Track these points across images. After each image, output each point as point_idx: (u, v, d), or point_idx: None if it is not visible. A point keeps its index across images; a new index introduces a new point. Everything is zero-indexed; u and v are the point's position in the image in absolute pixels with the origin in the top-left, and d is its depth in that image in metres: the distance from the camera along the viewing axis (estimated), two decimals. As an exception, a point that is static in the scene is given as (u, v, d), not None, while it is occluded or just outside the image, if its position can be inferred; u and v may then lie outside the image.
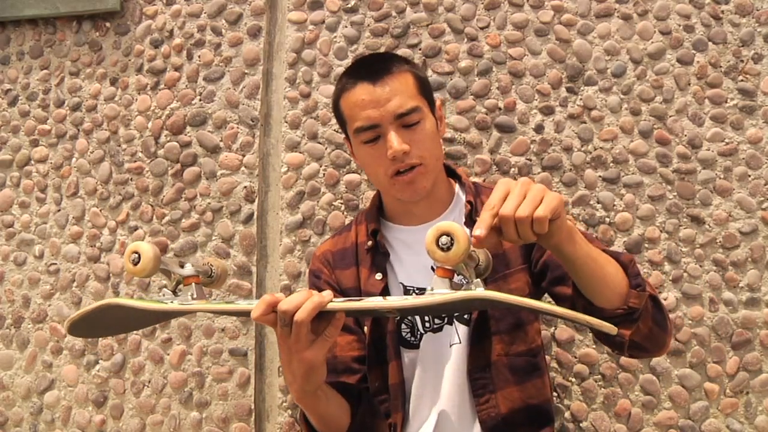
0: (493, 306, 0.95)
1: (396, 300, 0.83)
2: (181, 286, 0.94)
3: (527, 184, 0.80)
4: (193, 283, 0.93)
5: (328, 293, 0.83)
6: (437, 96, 1.40)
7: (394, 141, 1.01)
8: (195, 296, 0.93)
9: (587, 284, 0.89)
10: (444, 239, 0.78)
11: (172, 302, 0.91)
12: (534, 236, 0.78)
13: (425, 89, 1.09)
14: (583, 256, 0.86)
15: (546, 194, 0.79)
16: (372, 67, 1.06)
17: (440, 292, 0.80)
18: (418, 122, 1.04)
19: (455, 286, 0.81)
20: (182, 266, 0.94)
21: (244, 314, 0.88)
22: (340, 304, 0.83)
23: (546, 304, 0.77)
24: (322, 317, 0.83)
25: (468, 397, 1.07)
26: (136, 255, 0.89)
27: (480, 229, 0.77)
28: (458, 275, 0.81)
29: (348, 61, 1.53)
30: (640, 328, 0.91)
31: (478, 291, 0.78)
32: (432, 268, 0.84)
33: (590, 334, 1.39)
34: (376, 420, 1.05)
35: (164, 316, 1.07)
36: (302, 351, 0.84)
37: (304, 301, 0.81)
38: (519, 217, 0.77)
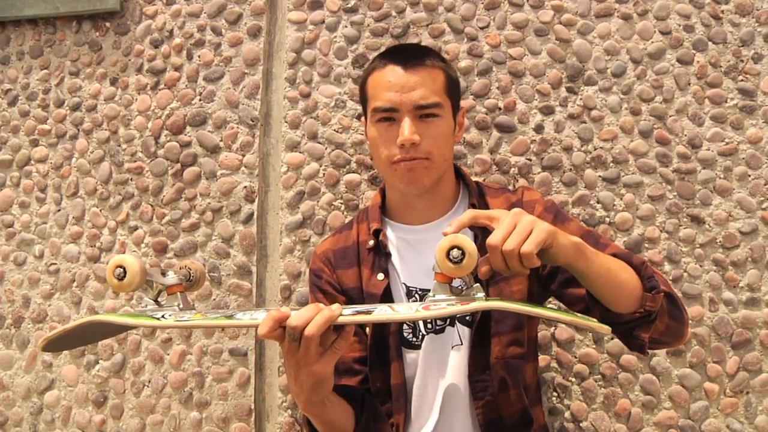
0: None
1: (406, 313, 0.83)
2: (164, 294, 0.91)
3: (518, 216, 0.81)
4: (178, 293, 0.91)
5: (337, 306, 0.82)
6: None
7: (407, 129, 1.02)
8: (181, 306, 0.90)
9: (603, 294, 0.90)
10: (455, 252, 0.78)
11: (163, 316, 0.88)
12: (524, 269, 0.80)
13: (453, 91, 1.09)
14: (597, 269, 0.86)
15: (535, 227, 0.79)
16: (407, 54, 1.07)
17: (442, 299, 0.81)
18: (436, 118, 1.05)
19: (455, 291, 0.82)
20: (164, 275, 0.91)
21: (249, 329, 0.87)
22: (350, 317, 0.82)
23: (547, 311, 0.79)
24: (329, 329, 0.83)
25: (468, 399, 1.07)
26: (121, 269, 0.86)
27: (451, 227, 0.82)
28: (456, 284, 0.82)
29: (348, 61, 1.53)
30: (657, 326, 0.92)
31: (484, 302, 0.80)
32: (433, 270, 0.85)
33: (590, 334, 1.39)
34: (380, 424, 1.05)
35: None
36: (311, 365, 0.83)
37: (314, 315, 0.80)
38: (506, 251, 0.78)
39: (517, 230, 0.79)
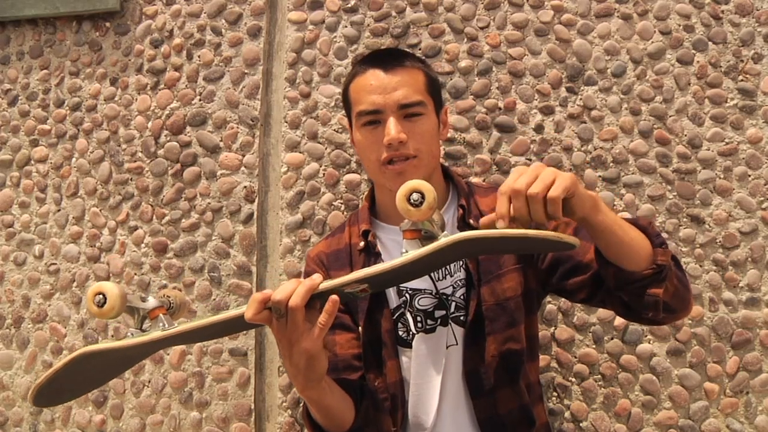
0: (472, 251, 0.96)
1: (383, 264, 0.85)
2: (147, 321, 0.89)
3: (540, 168, 0.82)
4: (161, 315, 0.89)
5: (317, 276, 0.84)
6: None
7: (392, 128, 1.03)
8: (166, 326, 0.88)
9: (616, 250, 0.91)
10: (415, 196, 0.82)
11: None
12: (546, 218, 0.80)
13: (434, 89, 1.11)
14: (611, 223, 0.88)
15: (558, 175, 0.80)
16: (386, 57, 1.09)
17: (417, 251, 0.83)
18: (420, 116, 1.06)
19: (425, 244, 0.84)
20: (143, 301, 0.89)
21: (236, 320, 0.85)
22: (329, 282, 0.84)
23: (514, 231, 0.80)
24: (313, 302, 0.84)
25: (466, 398, 1.07)
26: (101, 296, 0.84)
27: (501, 221, 0.80)
28: (426, 234, 0.85)
29: (348, 61, 1.53)
30: (667, 287, 0.93)
31: (451, 236, 0.82)
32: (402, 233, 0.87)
33: (590, 334, 1.39)
34: (380, 414, 1.05)
35: (143, 353, 0.98)
36: (301, 341, 0.84)
37: (296, 288, 0.82)
38: (531, 194, 0.79)
39: (541, 177, 0.80)
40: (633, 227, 0.92)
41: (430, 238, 0.84)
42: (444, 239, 0.82)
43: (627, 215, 1.40)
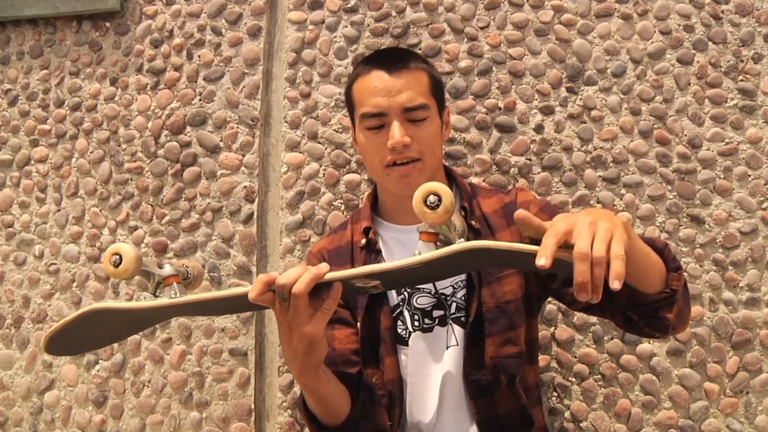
0: (483, 262, 0.95)
1: (391, 262, 0.85)
2: (161, 287, 0.91)
3: (594, 225, 0.76)
4: (174, 283, 0.91)
5: (324, 265, 0.84)
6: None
7: (397, 132, 1.03)
8: (177, 295, 0.90)
9: (636, 275, 0.90)
10: (432, 198, 0.81)
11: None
12: (602, 282, 0.74)
13: (438, 91, 1.11)
14: (636, 251, 0.87)
15: (615, 233, 0.75)
16: (390, 58, 1.09)
17: (431, 253, 0.82)
18: (424, 119, 1.06)
19: (440, 248, 0.83)
20: (161, 267, 0.92)
21: (241, 299, 0.86)
22: (336, 273, 0.84)
23: (520, 245, 0.79)
24: (319, 291, 0.84)
25: (465, 399, 1.07)
26: (117, 256, 0.87)
27: (543, 258, 0.73)
28: (443, 239, 0.84)
29: (348, 61, 1.53)
30: (675, 310, 0.93)
31: (465, 243, 0.81)
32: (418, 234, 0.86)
33: (590, 334, 1.39)
34: (376, 408, 1.05)
35: (151, 318, 1.01)
36: (302, 326, 0.84)
37: (301, 274, 0.82)
38: (597, 258, 0.73)
39: (600, 236, 0.74)
40: (653, 251, 0.92)
41: (447, 243, 0.83)
42: (459, 244, 0.81)
43: (627, 214, 1.40)
